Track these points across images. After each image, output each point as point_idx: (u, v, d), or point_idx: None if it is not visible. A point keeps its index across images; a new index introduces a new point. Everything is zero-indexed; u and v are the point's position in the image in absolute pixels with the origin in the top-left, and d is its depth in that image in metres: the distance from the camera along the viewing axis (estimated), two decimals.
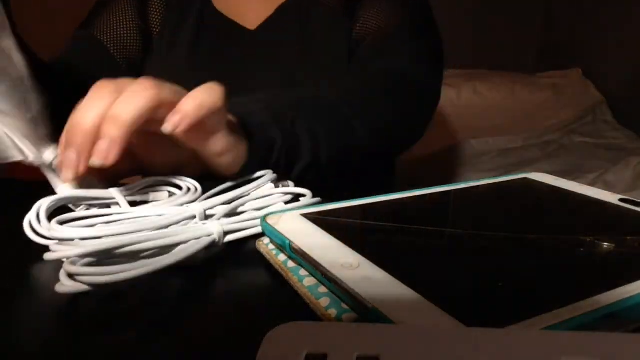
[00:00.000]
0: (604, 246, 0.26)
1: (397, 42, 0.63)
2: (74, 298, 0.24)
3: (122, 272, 0.24)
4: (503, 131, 1.81)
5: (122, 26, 0.65)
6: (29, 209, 0.30)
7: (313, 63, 0.64)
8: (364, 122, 0.54)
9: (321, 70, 0.64)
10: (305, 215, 0.29)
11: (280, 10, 0.65)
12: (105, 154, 0.31)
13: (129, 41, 0.66)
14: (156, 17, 0.66)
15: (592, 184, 1.33)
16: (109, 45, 0.65)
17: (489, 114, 1.86)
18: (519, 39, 2.33)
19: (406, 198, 0.33)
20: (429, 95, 0.64)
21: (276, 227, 0.27)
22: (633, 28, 1.81)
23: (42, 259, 0.27)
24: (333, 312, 0.22)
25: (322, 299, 0.23)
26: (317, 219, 0.28)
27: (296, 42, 0.64)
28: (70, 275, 0.24)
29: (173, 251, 0.26)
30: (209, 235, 0.28)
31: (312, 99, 0.52)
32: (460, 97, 1.88)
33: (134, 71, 0.66)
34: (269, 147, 0.43)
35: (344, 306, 0.22)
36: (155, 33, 0.66)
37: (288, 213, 0.29)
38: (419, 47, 0.64)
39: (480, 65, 2.03)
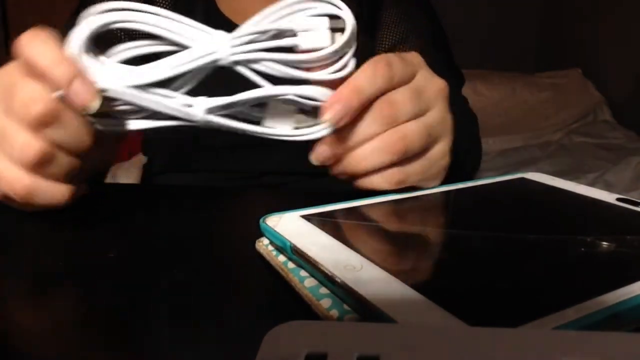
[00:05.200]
0: (604, 246, 0.26)
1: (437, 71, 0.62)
2: (74, 296, 0.25)
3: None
4: (503, 131, 1.81)
5: None
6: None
7: None
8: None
9: None
10: (305, 217, 0.29)
11: None
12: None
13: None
14: None
15: (592, 184, 1.33)
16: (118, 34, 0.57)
17: (489, 114, 1.86)
18: (519, 39, 2.33)
19: (405, 198, 0.33)
20: (477, 123, 0.64)
21: (276, 229, 0.27)
22: (633, 28, 1.81)
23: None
24: (335, 313, 0.22)
25: (324, 300, 0.23)
26: (317, 220, 0.28)
27: None
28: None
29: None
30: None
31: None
32: None
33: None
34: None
35: (346, 307, 0.22)
36: None
37: (287, 214, 0.29)
38: (453, 78, 0.64)
39: (480, 65, 2.04)
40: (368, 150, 0.32)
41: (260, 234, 0.29)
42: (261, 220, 0.29)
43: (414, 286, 0.21)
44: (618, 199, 0.33)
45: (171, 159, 0.64)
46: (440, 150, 0.35)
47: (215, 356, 0.21)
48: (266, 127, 0.32)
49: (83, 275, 0.27)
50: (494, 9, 2.26)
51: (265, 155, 0.60)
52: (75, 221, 0.33)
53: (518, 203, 0.34)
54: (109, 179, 1.55)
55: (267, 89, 0.30)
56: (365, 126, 0.32)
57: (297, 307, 0.24)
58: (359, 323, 0.16)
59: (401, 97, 0.32)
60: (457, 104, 0.59)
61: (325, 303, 0.23)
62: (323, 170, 0.63)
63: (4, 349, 0.21)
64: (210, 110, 0.30)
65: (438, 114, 0.34)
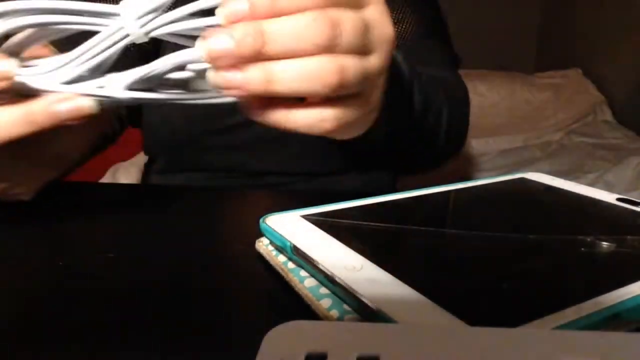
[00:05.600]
0: (605, 246, 0.26)
1: (426, 51, 0.60)
2: (74, 295, 0.25)
3: None
4: (503, 131, 1.81)
5: None
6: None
7: None
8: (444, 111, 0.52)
9: None
10: (305, 217, 0.29)
11: None
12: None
13: None
14: None
15: (592, 184, 1.33)
16: None
17: (489, 114, 1.86)
18: (518, 39, 2.33)
19: (405, 198, 0.33)
20: (468, 100, 0.62)
21: (276, 229, 0.27)
22: (633, 28, 1.81)
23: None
24: (335, 313, 0.22)
25: (324, 300, 0.23)
26: (317, 220, 0.28)
27: None
28: None
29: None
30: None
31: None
32: None
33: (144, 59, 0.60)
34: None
35: (346, 307, 0.22)
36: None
37: (287, 214, 0.29)
38: (447, 57, 0.63)
39: (480, 65, 2.04)
40: (294, 69, 0.24)
41: (260, 234, 0.29)
42: (261, 220, 0.29)
43: (414, 286, 0.21)
44: (618, 199, 0.33)
45: (171, 159, 0.64)
46: (374, 102, 0.30)
47: (215, 356, 0.21)
48: (192, 90, 0.28)
49: (83, 275, 0.27)
50: (494, 9, 2.26)
51: (265, 155, 0.60)
52: (76, 221, 0.33)
53: (518, 203, 0.34)
54: (109, 179, 1.55)
55: (186, 53, 0.26)
56: (295, 38, 0.24)
57: (297, 307, 0.24)
58: (359, 323, 0.16)
59: (347, 22, 0.26)
60: (446, 78, 0.58)
61: (325, 303, 0.23)
62: (323, 171, 0.63)
63: (2, 348, 0.21)
64: (129, 87, 0.27)
65: (379, 63, 0.28)
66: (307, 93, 0.26)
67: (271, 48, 0.24)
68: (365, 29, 0.27)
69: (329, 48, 0.25)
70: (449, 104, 0.54)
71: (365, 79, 0.28)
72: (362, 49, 0.27)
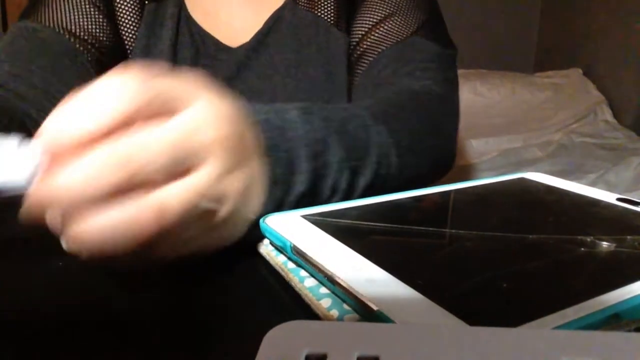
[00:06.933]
0: (605, 246, 0.26)
1: (416, 56, 0.57)
2: (73, 295, 0.24)
3: None
4: (503, 131, 1.81)
5: (82, 14, 0.55)
6: None
7: (309, 90, 0.58)
8: (402, 148, 0.41)
9: (319, 99, 0.58)
10: (305, 217, 0.29)
11: (269, 27, 0.59)
12: None
13: (95, 32, 0.55)
14: (128, 26, 0.58)
15: (592, 184, 1.33)
16: (68, 36, 0.54)
17: (489, 114, 1.86)
18: (518, 39, 2.33)
19: (405, 198, 0.33)
20: (456, 113, 0.57)
21: (276, 229, 0.27)
22: (633, 28, 1.81)
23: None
24: (335, 313, 0.22)
25: (324, 300, 0.23)
26: (317, 220, 0.28)
27: (290, 65, 0.59)
28: None
29: None
30: None
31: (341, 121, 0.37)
32: (460, 97, 1.88)
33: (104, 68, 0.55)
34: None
35: (346, 307, 0.22)
36: (128, 45, 0.59)
37: (287, 214, 0.29)
38: (438, 58, 0.58)
39: (480, 65, 2.04)
40: (102, 223, 0.21)
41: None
42: (261, 220, 0.29)
43: (414, 286, 0.21)
44: (618, 199, 0.33)
45: None
46: (221, 221, 0.25)
47: (215, 356, 0.21)
48: None
49: (83, 275, 0.27)
50: (494, 9, 2.26)
51: None
52: None
53: (518, 203, 0.34)
54: None
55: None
56: (85, 187, 0.21)
57: (297, 307, 0.24)
58: (359, 323, 0.16)
59: (148, 147, 0.22)
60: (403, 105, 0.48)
61: (325, 303, 0.23)
62: None
63: (1, 348, 0.21)
64: None
65: (211, 173, 0.24)
66: (117, 249, 0.22)
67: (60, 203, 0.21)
68: (177, 144, 0.23)
69: (135, 185, 0.22)
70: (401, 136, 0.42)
71: (197, 203, 0.23)
72: (180, 166, 0.23)
